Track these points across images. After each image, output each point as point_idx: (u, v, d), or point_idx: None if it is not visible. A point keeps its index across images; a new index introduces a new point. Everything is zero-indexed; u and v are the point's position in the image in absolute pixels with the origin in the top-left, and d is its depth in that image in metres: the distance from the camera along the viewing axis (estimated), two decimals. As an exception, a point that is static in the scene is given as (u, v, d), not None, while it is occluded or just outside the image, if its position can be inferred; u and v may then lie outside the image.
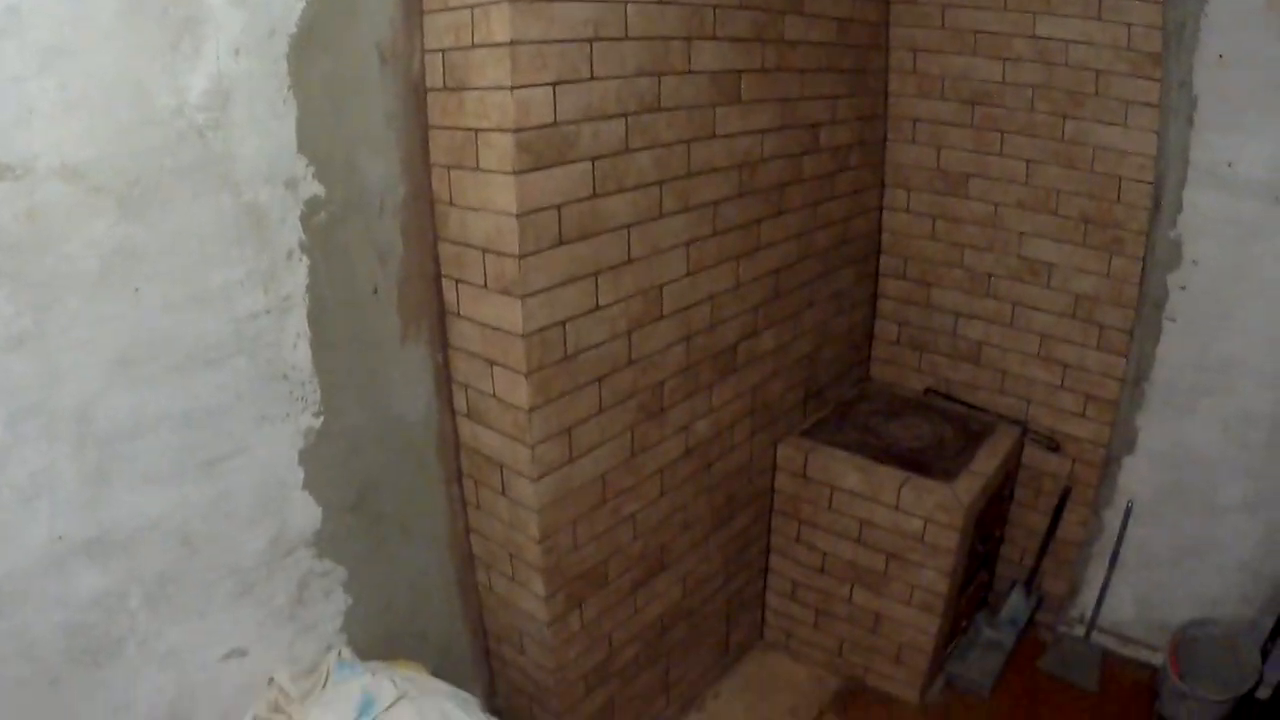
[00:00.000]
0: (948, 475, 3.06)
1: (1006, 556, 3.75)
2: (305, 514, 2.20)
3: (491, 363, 2.26)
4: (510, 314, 2.14)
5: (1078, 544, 3.57)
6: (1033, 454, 3.52)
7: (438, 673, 2.42)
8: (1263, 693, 3.16)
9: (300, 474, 2.16)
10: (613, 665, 2.81)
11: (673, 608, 2.99)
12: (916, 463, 3.13)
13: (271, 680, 2.24)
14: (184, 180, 1.79)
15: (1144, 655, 3.62)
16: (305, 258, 2.03)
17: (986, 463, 3.16)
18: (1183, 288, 3.09)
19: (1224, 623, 3.31)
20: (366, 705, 2.11)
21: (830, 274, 3.26)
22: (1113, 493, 3.46)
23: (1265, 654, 3.18)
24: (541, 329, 2.16)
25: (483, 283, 2.18)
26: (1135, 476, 3.41)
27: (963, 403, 3.61)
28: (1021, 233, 3.28)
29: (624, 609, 2.76)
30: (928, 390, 3.71)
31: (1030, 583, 3.67)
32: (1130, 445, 3.38)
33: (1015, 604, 3.65)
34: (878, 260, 3.62)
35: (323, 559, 2.27)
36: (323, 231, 2.05)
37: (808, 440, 3.30)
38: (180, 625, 2.03)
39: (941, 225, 3.45)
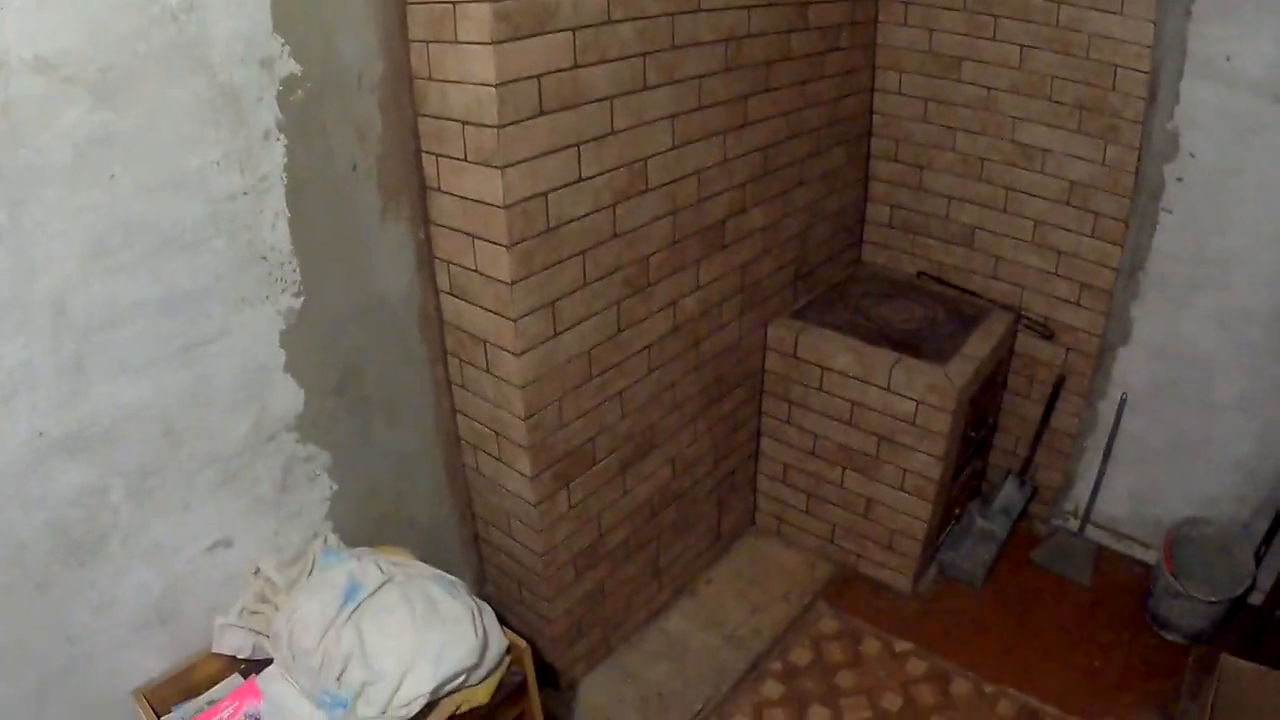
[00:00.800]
0: (940, 357, 3.06)
1: (1000, 445, 3.79)
2: (287, 398, 2.20)
3: (473, 237, 2.24)
4: (491, 186, 2.11)
5: (1071, 435, 3.60)
6: (1026, 341, 3.52)
7: (426, 558, 2.45)
8: (1255, 598, 3.21)
9: (281, 356, 2.16)
10: (602, 548, 2.85)
11: (662, 490, 3.03)
12: (908, 345, 3.14)
13: (258, 570, 2.27)
14: (157, 65, 1.75)
15: (1138, 552, 3.68)
16: (282, 137, 1.99)
17: (979, 346, 3.17)
18: (1179, 179, 3.05)
19: (1218, 523, 3.35)
20: (352, 590, 2.13)
21: (821, 154, 3.22)
22: (1107, 384, 3.48)
23: (1259, 558, 3.23)
24: (523, 200, 2.14)
25: (463, 156, 2.15)
26: (1130, 368, 3.41)
27: (956, 287, 3.60)
28: (1015, 118, 3.22)
29: (613, 490, 2.79)
30: (920, 274, 3.69)
31: (1024, 473, 3.70)
32: (1125, 336, 3.37)
33: (1009, 494, 3.69)
34: (869, 142, 3.58)
35: (306, 443, 2.28)
36: (300, 110, 2.01)
37: (798, 321, 3.30)
38: (163, 518, 2.04)
39: (933, 108, 3.39)
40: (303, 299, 2.15)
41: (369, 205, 2.23)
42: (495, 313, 2.29)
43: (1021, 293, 3.47)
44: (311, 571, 2.27)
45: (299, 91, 1.99)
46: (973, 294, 3.56)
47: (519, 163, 2.10)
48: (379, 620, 2.09)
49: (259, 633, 2.21)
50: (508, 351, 2.32)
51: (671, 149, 2.51)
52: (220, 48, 1.83)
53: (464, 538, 2.85)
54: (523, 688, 2.31)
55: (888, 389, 3.06)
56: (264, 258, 2.05)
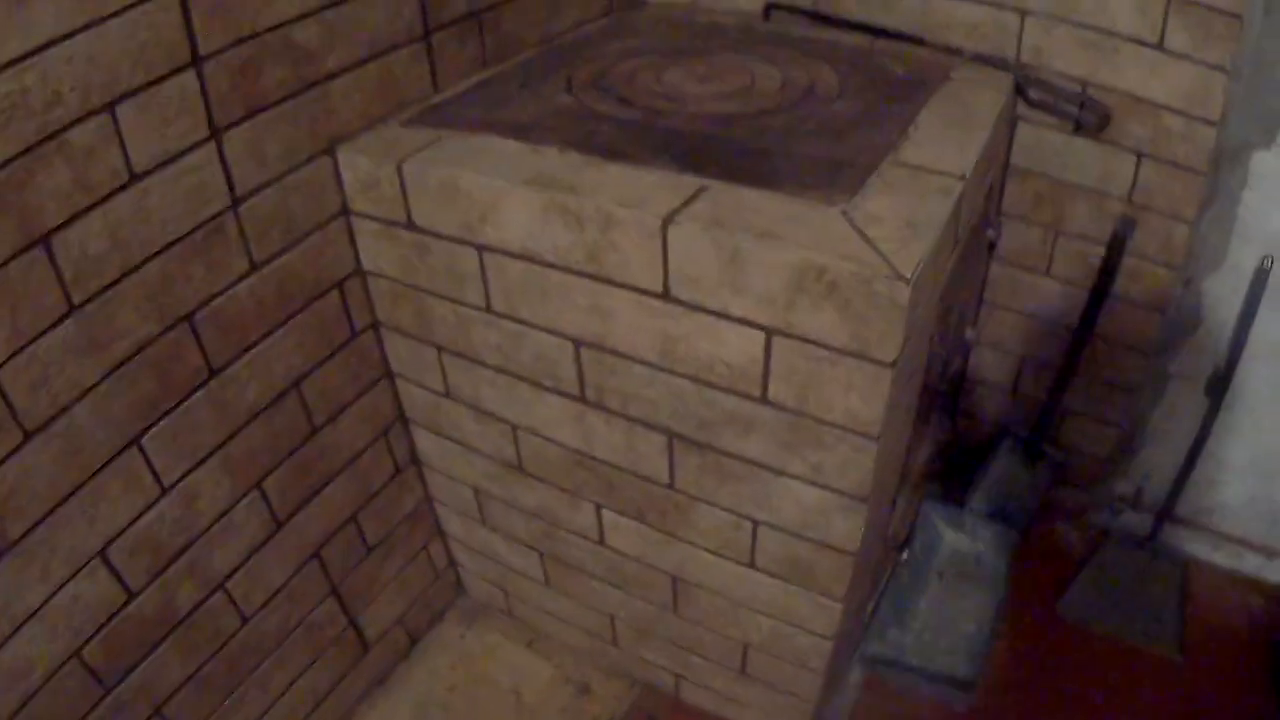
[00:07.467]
0: (844, 178, 1.09)
1: (987, 376, 2.01)
2: None
3: None
4: None
5: (1141, 350, 1.81)
6: (1039, 138, 1.63)
7: None
8: None
9: None
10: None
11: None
12: (733, 154, 1.15)
13: None
14: None
15: (1268, 574, 1.97)
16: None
17: (966, 142, 1.19)
18: None
19: None
20: None
21: None
22: (1227, 237, 1.66)
23: None
24: None
25: None
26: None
27: (856, 25, 1.63)
28: None
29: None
30: (771, 6, 1.71)
31: (1040, 434, 1.94)
32: (1270, 135, 1.49)
33: (1006, 474, 1.96)
34: None
35: None
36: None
37: (425, 128, 1.26)
38: None
39: None
40: None
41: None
42: None
43: (1021, 24, 1.53)
44: None
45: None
46: (899, 36, 1.60)
47: None
48: None
49: None
50: None
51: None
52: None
53: None
54: None
55: (666, 295, 1.07)
56: None
